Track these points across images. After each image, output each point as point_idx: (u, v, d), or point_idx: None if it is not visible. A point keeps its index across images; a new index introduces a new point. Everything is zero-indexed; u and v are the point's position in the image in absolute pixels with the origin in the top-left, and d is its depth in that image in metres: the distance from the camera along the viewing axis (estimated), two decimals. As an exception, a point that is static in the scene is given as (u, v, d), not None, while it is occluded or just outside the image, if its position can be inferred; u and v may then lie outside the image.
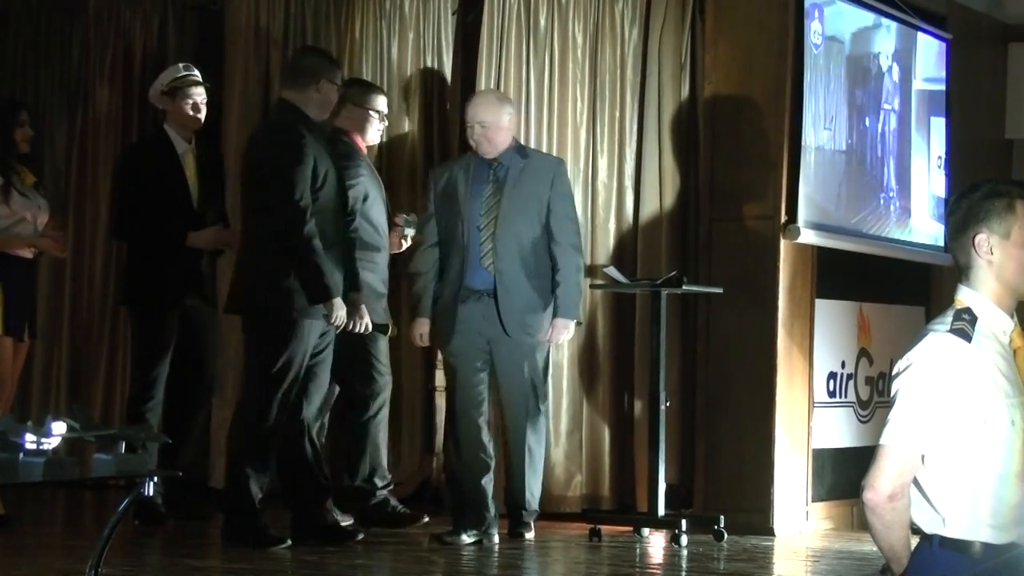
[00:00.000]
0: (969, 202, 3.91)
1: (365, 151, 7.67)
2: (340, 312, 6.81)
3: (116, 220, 7.59)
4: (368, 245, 7.42)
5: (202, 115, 7.48)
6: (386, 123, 7.75)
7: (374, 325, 7.25)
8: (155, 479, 4.14)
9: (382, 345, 7.55)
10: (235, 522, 6.88)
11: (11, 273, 6.98)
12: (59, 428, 3.93)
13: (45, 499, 7.95)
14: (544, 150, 8.07)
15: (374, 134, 7.69)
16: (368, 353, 7.43)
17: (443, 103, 8.50)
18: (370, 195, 7.46)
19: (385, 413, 7.56)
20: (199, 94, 7.46)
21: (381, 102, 7.67)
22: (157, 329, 7.27)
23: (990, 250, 3.86)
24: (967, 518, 3.83)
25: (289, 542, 6.88)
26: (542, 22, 8.26)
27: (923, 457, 3.84)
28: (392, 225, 7.64)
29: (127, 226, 7.43)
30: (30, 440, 3.88)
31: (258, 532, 6.83)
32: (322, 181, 6.88)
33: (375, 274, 7.48)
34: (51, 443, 3.92)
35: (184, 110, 7.42)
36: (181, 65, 7.62)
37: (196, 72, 7.52)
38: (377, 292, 7.45)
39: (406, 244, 7.74)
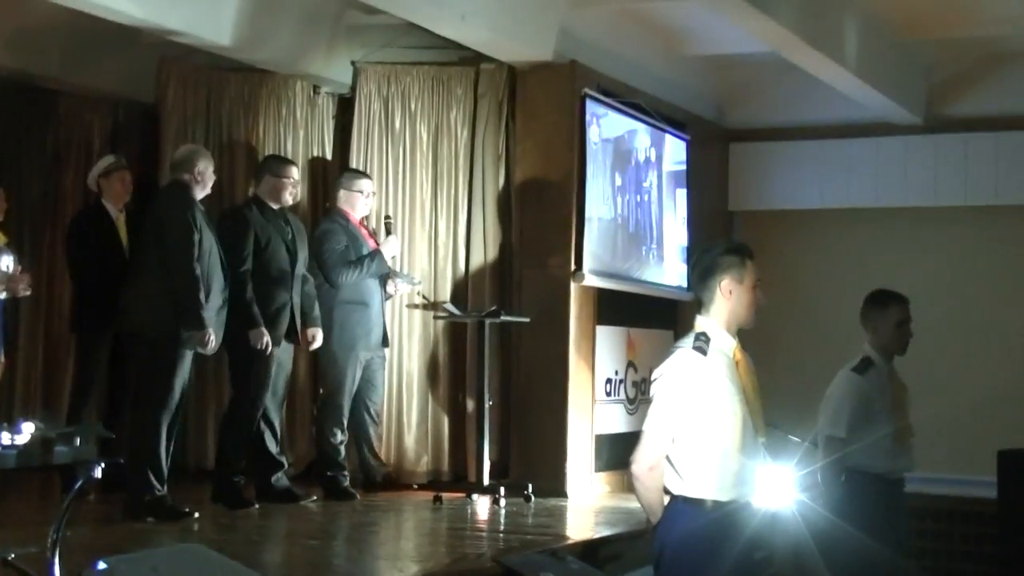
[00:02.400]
0: (713, 256, 3.96)
1: (357, 222, 7.52)
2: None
3: (70, 267, 7.35)
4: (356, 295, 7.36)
5: (130, 190, 7.30)
6: (371, 199, 7.58)
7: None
8: (102, 464, 3.97)
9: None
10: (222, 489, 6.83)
11: None
12: (28, 428, 3.77)
13: (21, 481, 7.61)
14: (399, 218, 8.00)
15: (363, 208, 7.54)
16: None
17: (326, 181, 8.40)
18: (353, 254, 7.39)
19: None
20: (127, 175, 7.28)
21: (366, 184, 7.57)
22: (93, 349, 7.04)
23: (730, 292, 3.90)
24: (702, 482, 3.86)
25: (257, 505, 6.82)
26: (397, 123, 8.20)
27: (673, 439, 3.84)
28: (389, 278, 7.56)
29: (78, 273, 7.21)
30: (5, 437, 3.71)
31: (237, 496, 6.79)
32: (264, 245, 6.86)
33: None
34: (22, 439, 3.75)
35: (118, 187, 7.21)
36: (112, 156, 7.44)
37: (124, 160, 7.35)
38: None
39: (393, 292, 7.61)
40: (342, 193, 7.56)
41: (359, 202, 7.53)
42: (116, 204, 7.23)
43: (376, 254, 7.41)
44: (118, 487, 6.89)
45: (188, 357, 6.33)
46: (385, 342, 7.56)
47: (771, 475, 4.03)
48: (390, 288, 7.60)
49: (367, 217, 7.66)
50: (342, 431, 7.36)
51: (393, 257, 7.64)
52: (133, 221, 7.29)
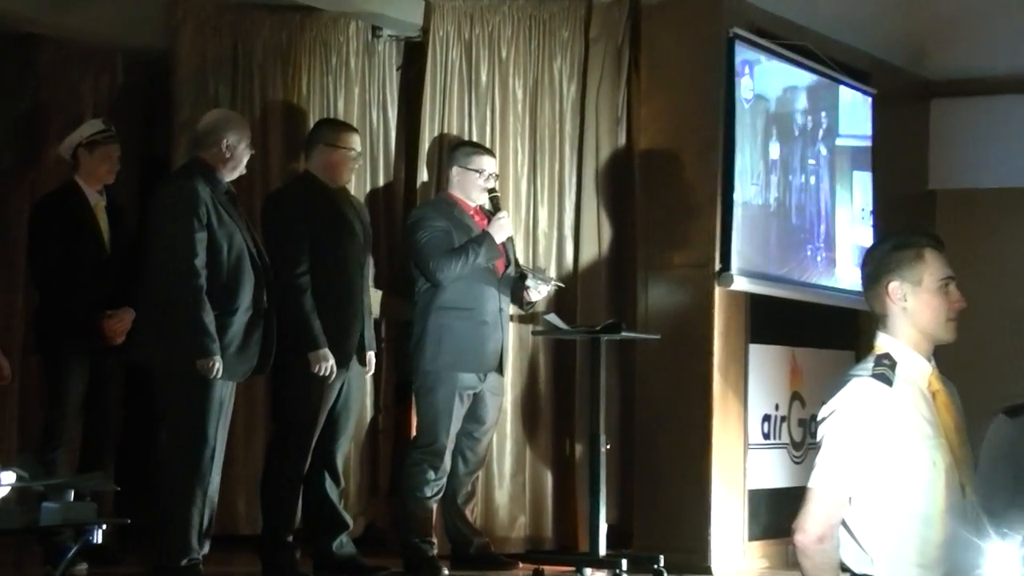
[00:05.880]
0: (880, 254, 3.99)
1: (471, 209, 7.62)
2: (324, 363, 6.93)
3: (31, 265, 7.52)
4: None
5: (116, 170, 7.45)
6: (492, 183, 7.63)
7: None
8: (103, 526, 4.09)
9: None
10: (270, 560, 7.00)
11: None
12: (8, 478, 3.89)
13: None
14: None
15: (479, 194, 7.61)
16: None
17: (388, 155, 8.50)
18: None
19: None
20: (116, 150, 7.43)
21: (488, 163, 7.66)
22: (63, 376, 7.21)
23: (903, 297, 3.92)
24: (894, 558, 3.85)
25: None
26: (483, 77, 8.28)
27: (850, 499, 3.85)
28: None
29: (43, 275, 7.38)
30: (-21, 491, 3.84)
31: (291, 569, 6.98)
32: (324, 238, 7.06)
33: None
34: (0, 493, 3.88)
35: (101, 164, 7.37)
36: (100, 120, 7.55)
37: (113, 129, 7.49)
38: None
39: (530, 296, 7.71)
40: (455, 172, 7.63)
41: (475, 185, 7.62)
42: (95, 185, 7.38)
43: (484, 237, 7.47)
44: (111, 557, 7.07)
45: (223, 388, 6.51)
46: (501, 367, 7.64)
47: (992, 548, 4.01)
48: (530, 293, 7.66)
49: (481, 205, 7.69)
50: (435, 485, 7.46)
51: (509, 239, 7.69)
52: (117, 208, 7.46)
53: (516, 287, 7.67)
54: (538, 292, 7.68)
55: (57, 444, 7.19)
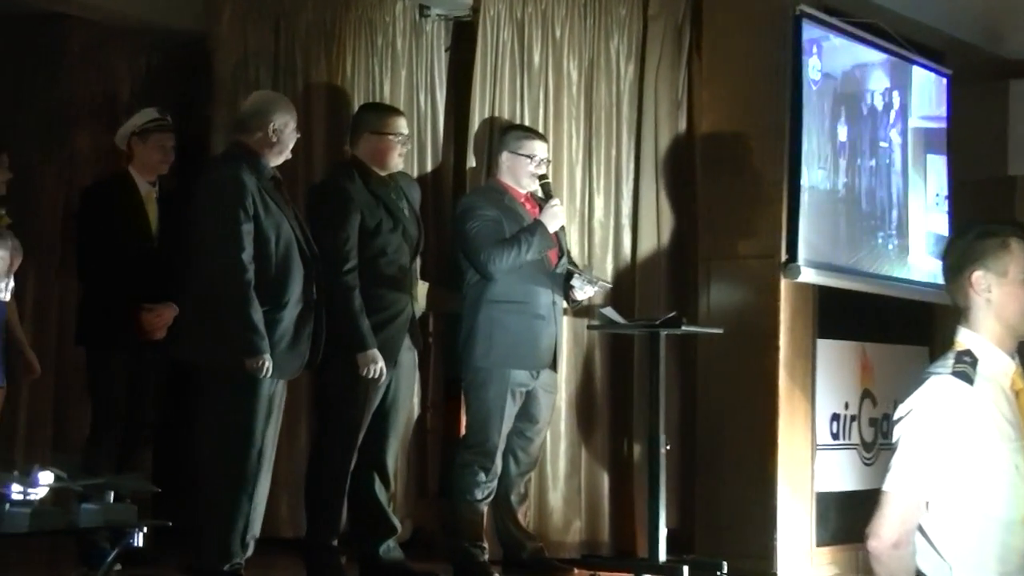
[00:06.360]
0: (963, 243, 3.98)
1: (521, 197, 7.63)
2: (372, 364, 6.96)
3: (79, 255, 7.59)
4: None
5: (170, 160, 7.52)
6: (543, 169, 7.63)
7: None
8: (144, 529, 4.14)
9: None
10: (315, 565, 7.06)
11: None
12: (46, 478, 3.94)
13: (30, 548, 7.89)
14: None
15: (530, 180, 7.61)
16: None
17: (436, 139, 8.52)
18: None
19: None
20: (169, 139, 7.50)
21: (539, 148, 7.66)
22: (104, 368, 7.29)
23: (988, 288, 3.91)
24: (974, 565, 3.84)
25: None
26: (536, 58, 8.29)
27: (927, 503, 3.85)
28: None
29: (87, 266, 7.45)
30: (16, 491, 3.89)
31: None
32: (373, 229, 7.05)
33: None
34: (38, 493, 3.92)
35: (154, 154, 7.44)
36: (155, 109, 7.61)
37: (169, 118, 7.56)
38: None
39: (579, 296, 7.70)
40: (504, 157, 7.64)
41: (525, 171, 7.62)
42: (148, 175, 7.46)
43: (537, 226, 7.46)
44: (146, 559, 7.13)
45: (271, 386, 6.57)
46: (555, 363, 7.65)
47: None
48: (575, 293, 7.65)
49: (532, 192, 7.69)
50: (486, 487, 7.48)
51: (562, 228, 7.66)
52: (168, 199, 7.53)
53: (564, 283, 7.68)
54: (583, 292, 7.67)
55: (97, 441, 7.26)
